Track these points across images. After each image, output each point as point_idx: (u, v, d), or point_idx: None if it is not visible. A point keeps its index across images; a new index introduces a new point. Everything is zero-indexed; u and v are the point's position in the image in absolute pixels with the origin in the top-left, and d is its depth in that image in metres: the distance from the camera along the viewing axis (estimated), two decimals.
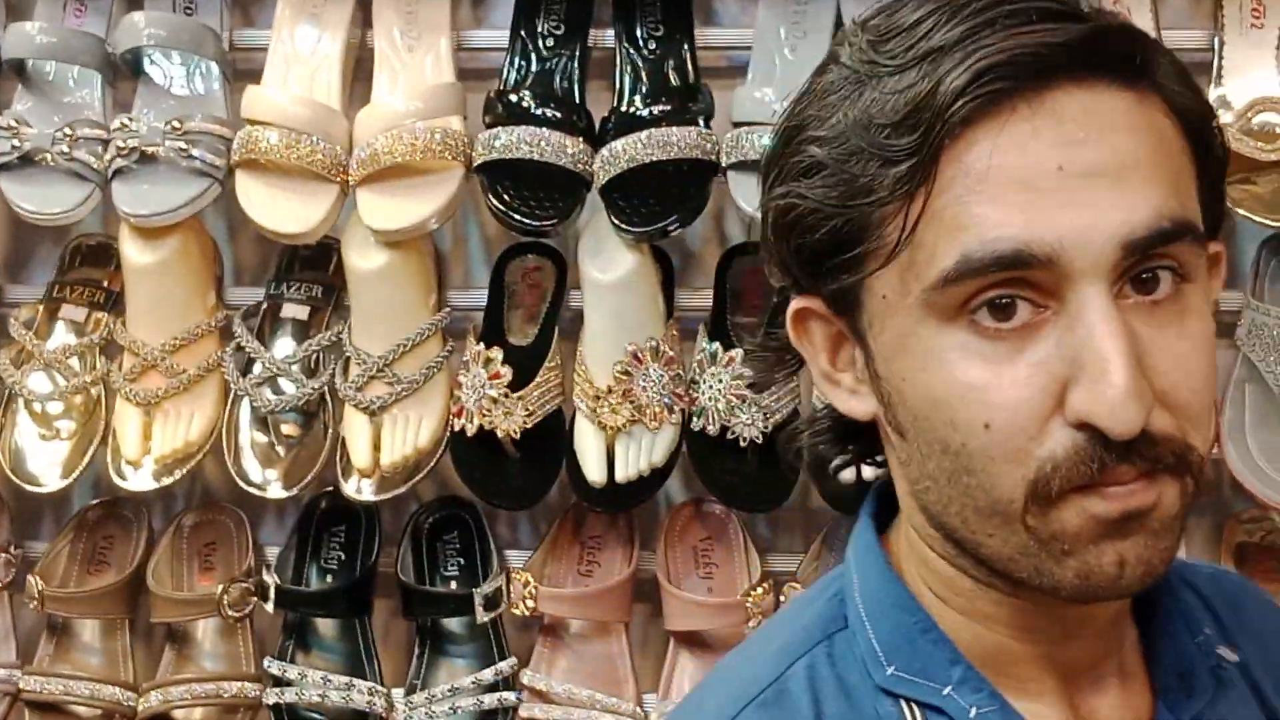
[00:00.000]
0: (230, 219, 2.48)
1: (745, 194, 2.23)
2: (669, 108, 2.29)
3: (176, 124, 2.28)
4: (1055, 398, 1.06)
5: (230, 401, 2.37)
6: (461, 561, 2.44)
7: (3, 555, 2.44)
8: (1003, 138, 1.06)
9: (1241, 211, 2.18)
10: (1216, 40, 2.29)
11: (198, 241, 2.37)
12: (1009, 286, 1.06)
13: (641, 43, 2.37)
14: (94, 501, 2.50)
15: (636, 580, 2.38)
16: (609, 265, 2.27)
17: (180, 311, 2.36)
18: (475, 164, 2.28)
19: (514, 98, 2.31)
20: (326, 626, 2.42)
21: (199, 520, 2.49)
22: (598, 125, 2.32)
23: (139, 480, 2.33)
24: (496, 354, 2.28)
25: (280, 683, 2.34)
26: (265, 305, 2.42)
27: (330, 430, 2.35)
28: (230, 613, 2.36)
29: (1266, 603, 1.37)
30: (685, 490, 2.46)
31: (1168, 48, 1.13)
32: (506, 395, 2.26)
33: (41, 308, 2.44)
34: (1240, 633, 1.28)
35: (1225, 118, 2.21)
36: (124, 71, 2.39)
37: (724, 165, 2.25)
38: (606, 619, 2.37)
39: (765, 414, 2.24)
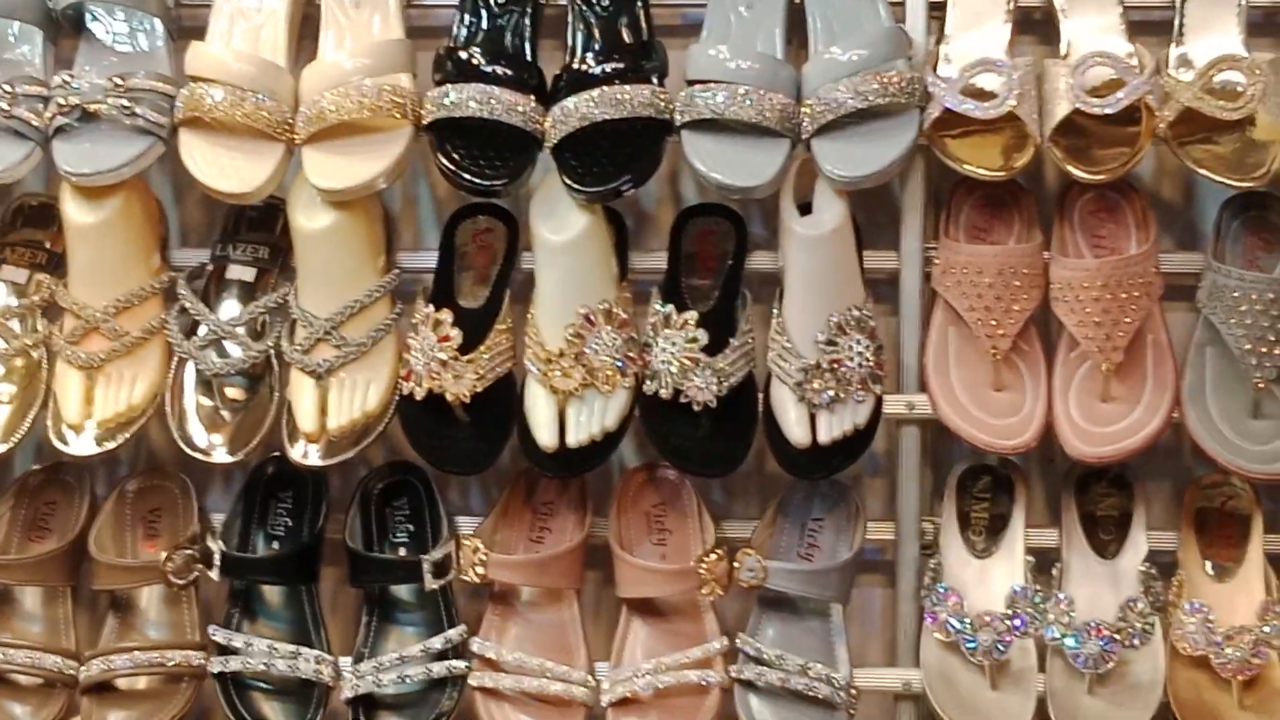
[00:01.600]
0: (176, 178, 2.45)
1: (699, 153, 2.21)
2: (622, 65, 2.25)
3: (119, 81, 2.25)
4: None
5: (174, 365, 2.33)
6: (411, 528, 2.41)
7: None
8: None
9: (1203, 171, 2.16)
10: None
11: (141, 201, 2.33)
12: None
13: None
14: (35, 467, 2.47)
15: (589, 546, 2.35)
16: (561, 226, 2.24)
17: (123, 273, 2.32)
18: (424, 122, 2.25)
19: (464, 55, 2.27)
20: (273, 594, 2.39)
21: (143, 486, 2.46)
22: (549, 83, 2.29)
23: (81, 445, 2.30)
24: (446, 316, 2.25)
25: (225, 651, 2.31)
26: (210, 267, 2.39)
27: (276, 394, 2.32)
28: (174, 580, 2.33)
29: None
30: (639, 455, 2.44)
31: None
32: (456, 358, 2.23)
33: None
34: None
35: (1186, 76, 2.19)
36: (65, 28, 2.35)
37: (678, 124, 2.23)
38: (558, 586, 2.35)
39: (719, 377, 2.21)
